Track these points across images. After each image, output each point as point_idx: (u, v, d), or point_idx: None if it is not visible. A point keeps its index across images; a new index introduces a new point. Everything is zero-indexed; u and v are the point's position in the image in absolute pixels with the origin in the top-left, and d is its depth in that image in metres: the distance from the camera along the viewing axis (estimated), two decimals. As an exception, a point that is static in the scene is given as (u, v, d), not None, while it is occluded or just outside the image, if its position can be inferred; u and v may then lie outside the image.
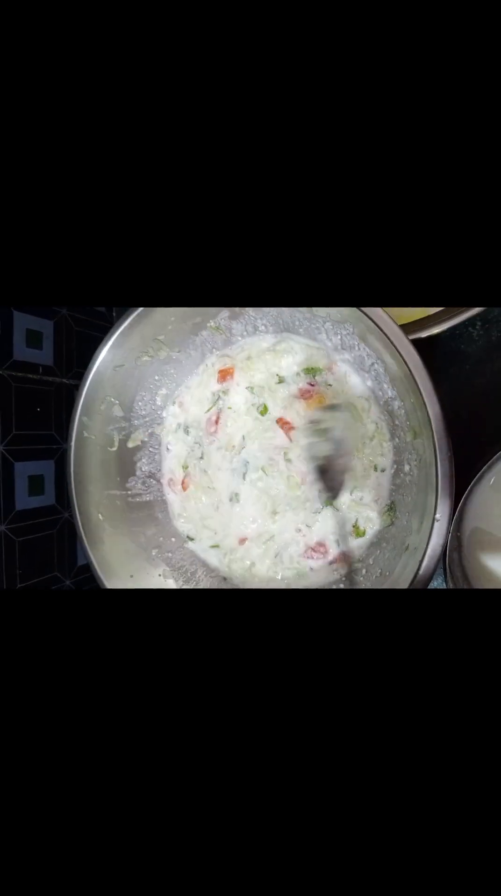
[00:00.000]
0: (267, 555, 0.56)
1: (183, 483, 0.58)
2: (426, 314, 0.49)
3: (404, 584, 0.40)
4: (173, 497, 0.58)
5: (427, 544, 0.38)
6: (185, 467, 0.58)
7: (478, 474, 0.41)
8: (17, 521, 0.52)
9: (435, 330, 0.47)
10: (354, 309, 0.41)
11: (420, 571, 0.39)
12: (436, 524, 0.38)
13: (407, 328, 0.43)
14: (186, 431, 0.57)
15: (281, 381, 0.54)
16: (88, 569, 0.57)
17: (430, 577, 0.39)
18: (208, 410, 0.56)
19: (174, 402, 0.57)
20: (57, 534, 0.56)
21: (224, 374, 0.56)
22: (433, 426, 0.38)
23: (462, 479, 0.40)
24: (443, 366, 0.54)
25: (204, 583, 0.56)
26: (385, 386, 0.46)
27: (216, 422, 0.56)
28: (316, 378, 0.53)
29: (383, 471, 0.50)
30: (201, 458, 0.57)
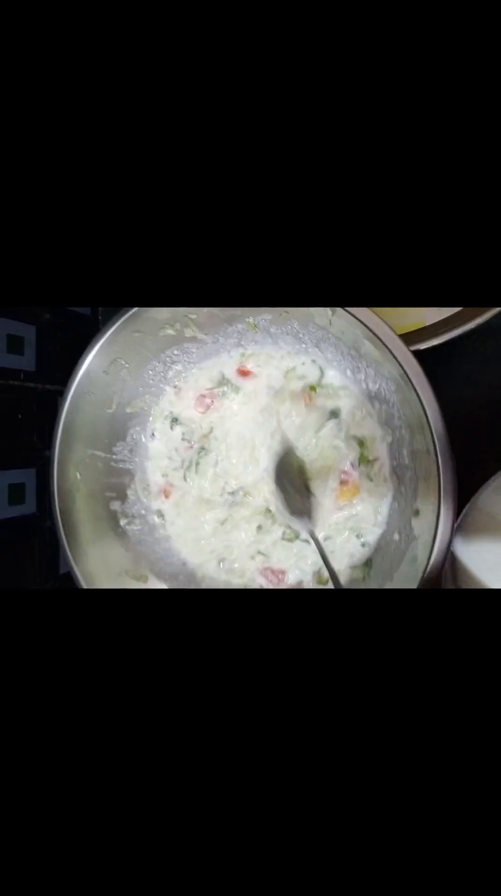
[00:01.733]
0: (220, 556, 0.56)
1: (166, 492, 0.56)
2: (422, 325, 0.48)
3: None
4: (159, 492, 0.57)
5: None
6: (165, 475, 0.56)
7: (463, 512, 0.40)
8: (-3, 531, 0.49)
9: (433, 342, 0.46)
10: (383, 349, 0.39)
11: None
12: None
13: (405, 339, 0.41)
14: (172, 426, 0.55)
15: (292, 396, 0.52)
16: (69, 578, 0.56)
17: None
18: (211, 388, 0.54)
19: (173, 384, 0.54)
20: (38, 544, 0.54)
21: (244, 372, 0.53)
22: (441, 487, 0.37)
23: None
24: (437, 380, 0.52)
25: (166, 570, 0.55)
26: (404, 452, 0.44)
27: (209, 405, 0.54)
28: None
29: (364, 545, 0.49)
30: (185, 468, 0.55)
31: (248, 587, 0.54)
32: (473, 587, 0.44)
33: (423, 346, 0.47)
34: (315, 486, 0.50)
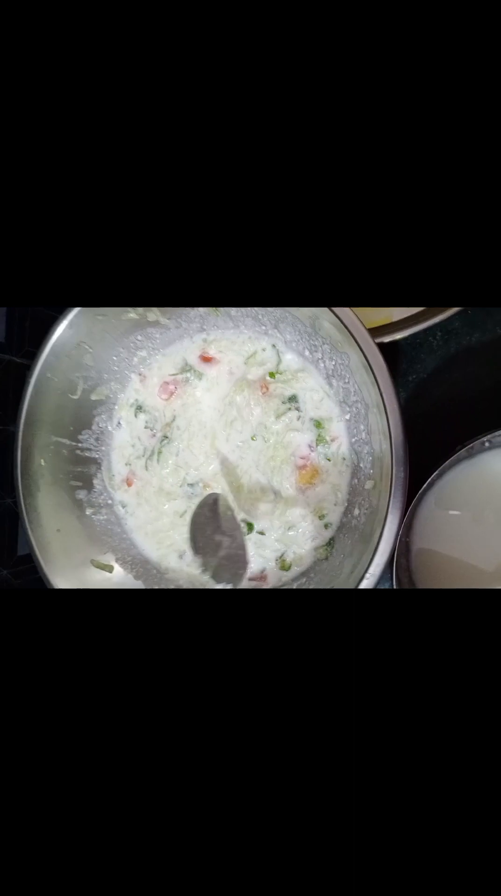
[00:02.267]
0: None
1: (128, 481, 0.55)
2: (389, 321, 0.49)
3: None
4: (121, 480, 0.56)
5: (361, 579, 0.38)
6: (128, 464, 0.55)
7: (419, 491, 0.41)
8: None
9: (396, 336, 0.47)
10: (346, 333, 0.40)
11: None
12: (365, 578, 0.38)
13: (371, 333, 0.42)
14: (136, 414, 0.55)
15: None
16: (28, 559, 0.54)
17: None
18: (174, 375, 0.54)
19: (138, 373, 0.54)
20: None
21: (206, 358, 0.53)
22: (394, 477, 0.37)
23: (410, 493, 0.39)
24: (402, 373, 0.54)
25: (127, 561, 0.55)
26: (361, 427, 0.45)
27: (173, 392, 0.54)
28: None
29: (327, 526, 0.49)
30: (147, 457, 0.55)
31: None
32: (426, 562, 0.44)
33: (388, 339, 0.48)
34: (274, 481, 0.51)
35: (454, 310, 0.48)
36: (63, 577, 0.49)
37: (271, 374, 0.51)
